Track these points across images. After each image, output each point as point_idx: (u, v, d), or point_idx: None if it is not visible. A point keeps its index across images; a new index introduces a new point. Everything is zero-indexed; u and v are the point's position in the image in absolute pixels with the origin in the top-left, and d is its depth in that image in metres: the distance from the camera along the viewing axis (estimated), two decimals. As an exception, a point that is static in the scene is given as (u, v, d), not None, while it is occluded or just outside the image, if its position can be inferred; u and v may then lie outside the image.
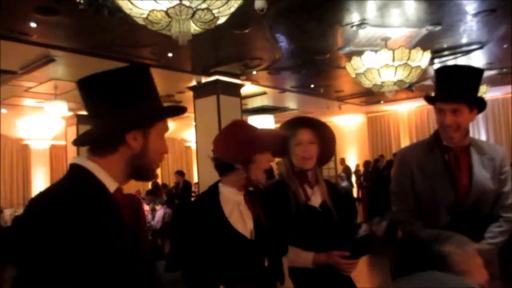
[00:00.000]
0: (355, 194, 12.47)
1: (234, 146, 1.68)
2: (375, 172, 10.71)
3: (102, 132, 1.17)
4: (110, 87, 1.16)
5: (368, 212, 9.81)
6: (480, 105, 2.01)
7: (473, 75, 2.03)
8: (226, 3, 3.17)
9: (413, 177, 2.09)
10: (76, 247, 0.99)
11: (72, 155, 11.11)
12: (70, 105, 9.11)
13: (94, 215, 1.05)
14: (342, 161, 14.10)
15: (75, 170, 1.16)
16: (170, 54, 6.67)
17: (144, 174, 1.23)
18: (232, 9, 3.29)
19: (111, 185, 1.15)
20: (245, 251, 1.63)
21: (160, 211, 8.52)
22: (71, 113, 10.20)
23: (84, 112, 10.82)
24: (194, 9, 3.11)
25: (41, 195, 1.14)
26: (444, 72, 2.06)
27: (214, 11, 3.20)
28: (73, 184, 1.13)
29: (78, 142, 1.22)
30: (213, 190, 1.74)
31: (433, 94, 2.13)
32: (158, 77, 8.10)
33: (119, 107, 1.15)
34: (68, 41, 5.96)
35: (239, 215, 1.69)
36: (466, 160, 2.01)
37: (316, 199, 2.04)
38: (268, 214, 1.79)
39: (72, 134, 11.16)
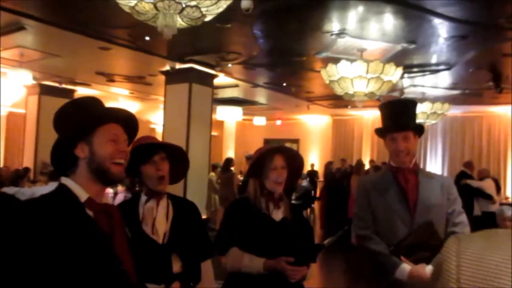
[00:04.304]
0: (318, 193, 12.70)
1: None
2: (328, 175, 11.56)
3: (54, 159, 1.40)
4: (57, 119, 1.42)
5: (325, 209, 10.46)
6: (420, 131, 2.40)
7: (414, 107, 2.42)
8: (216, 3, 3.17)
9: (370, 198, 2.35)
10: (25, 247, 1.18)
11: (31, 125, 10.68)
12: (35, 74, 8.75)
13: (54, 220, 1.23)
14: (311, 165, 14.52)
15: (57, 186, 1.37)
16: (147, 38, 6.54)
17: (102, 176, 1.37)
18: (221, 9, 3.30)
19: (82, 196, 1.33)
20: (153, 254, 1.79)
21: (121, 194, 8.38)
22: (34, 82, 9.78)
23: (48, 82, 10.47)
24: (183, 5, 3.09)
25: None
26: (391, 106, 2.44)
27: (202, 9, 3.20)
28: (46, 196, 1.34)
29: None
30: (136, 196, 1.91)
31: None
32: (131, 57, 7.93)
33: (62, 131, 1.39)
34: (43, 11, 5.71)
35: (150, 219, 1.86)
36: (414, 179, 2.31)
37: (277, 215, 2.26)
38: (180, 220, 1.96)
39: (34, 104, 10.70)
